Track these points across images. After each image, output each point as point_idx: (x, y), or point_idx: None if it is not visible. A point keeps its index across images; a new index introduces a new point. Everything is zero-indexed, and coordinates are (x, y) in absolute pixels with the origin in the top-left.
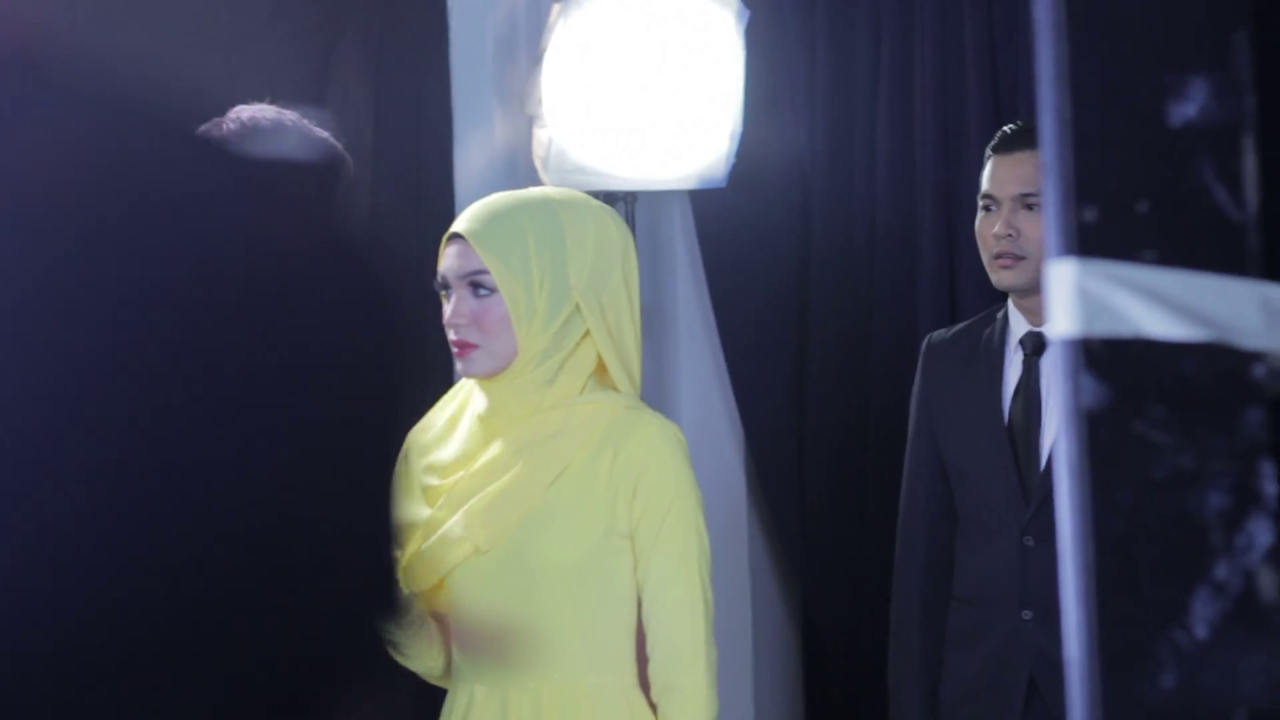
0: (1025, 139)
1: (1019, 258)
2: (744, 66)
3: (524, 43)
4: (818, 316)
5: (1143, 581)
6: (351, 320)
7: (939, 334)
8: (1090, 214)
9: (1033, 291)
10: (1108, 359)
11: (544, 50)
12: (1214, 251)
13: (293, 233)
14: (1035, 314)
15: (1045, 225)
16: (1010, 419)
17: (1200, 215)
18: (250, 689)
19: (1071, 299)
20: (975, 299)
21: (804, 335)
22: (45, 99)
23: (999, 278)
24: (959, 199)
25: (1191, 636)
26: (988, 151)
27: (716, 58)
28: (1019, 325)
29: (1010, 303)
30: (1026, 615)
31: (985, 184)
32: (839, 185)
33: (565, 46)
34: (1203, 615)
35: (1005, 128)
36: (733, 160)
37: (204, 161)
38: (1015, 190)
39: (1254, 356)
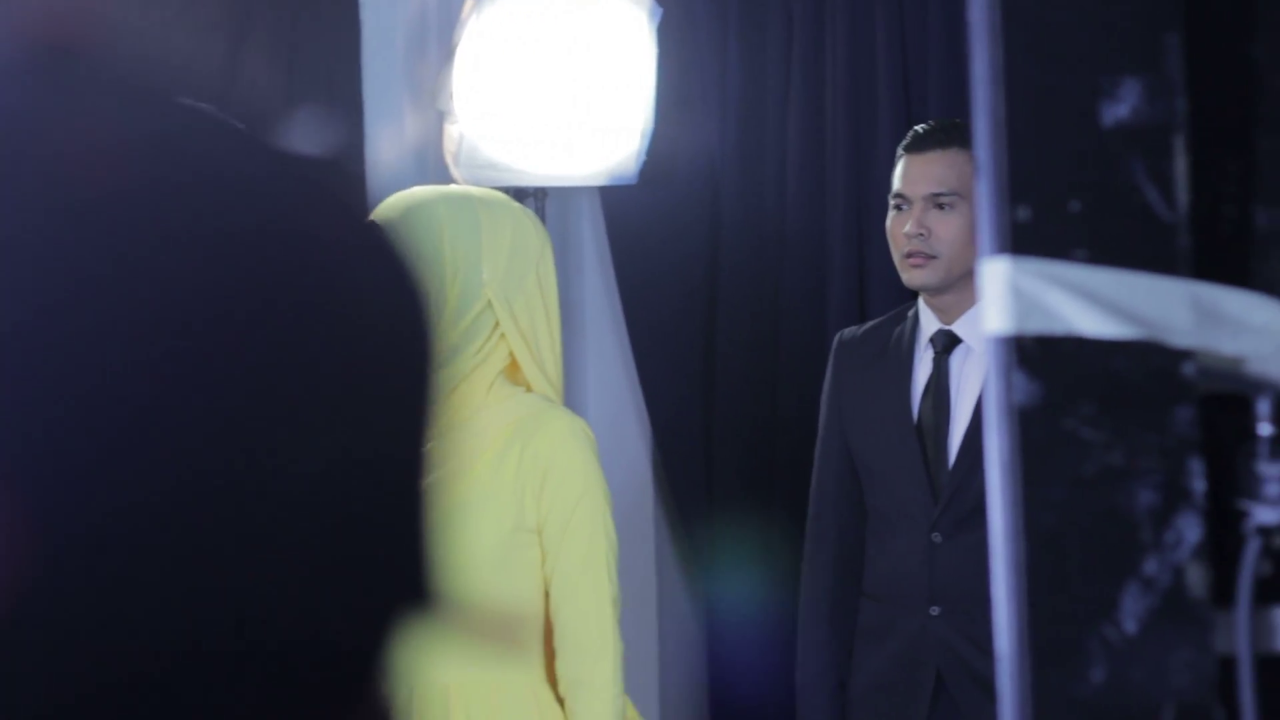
0: (937, 138)
1: (930, 257)
2: (656, 64)
3: (435, 38)
4: (726, 313)
5: (1072, 577)
6: (400, 319)
7: (849, 331)
8: (1023, 213)
9: (944, 290)
10: (1040, 356)
11: (456, 45)
12: (1145, 251)
13: (345, 229)
14: (946, 312)
15: (979, 223)
16: (920, 417)
17: (1132, 215)
18: (270, 682)
19: (1004, 297)
20: (885, 297)
21: (712, 332)
22: (90, 90)
23: (910, 276)
24: (869, 198)
25: (1121, 632)
26: (899, 150)
27: (629, 55)
28: (929, 323)
29: (921, 301)
30: (934, 611)
31: (897, 183)
32: (749, 183)
33: (477, 42)
34: (1132, 611)
35: (917, 127)
36: (643, 158)
37: (257, 156)
38: (927, 190)
39: (1184, 355)
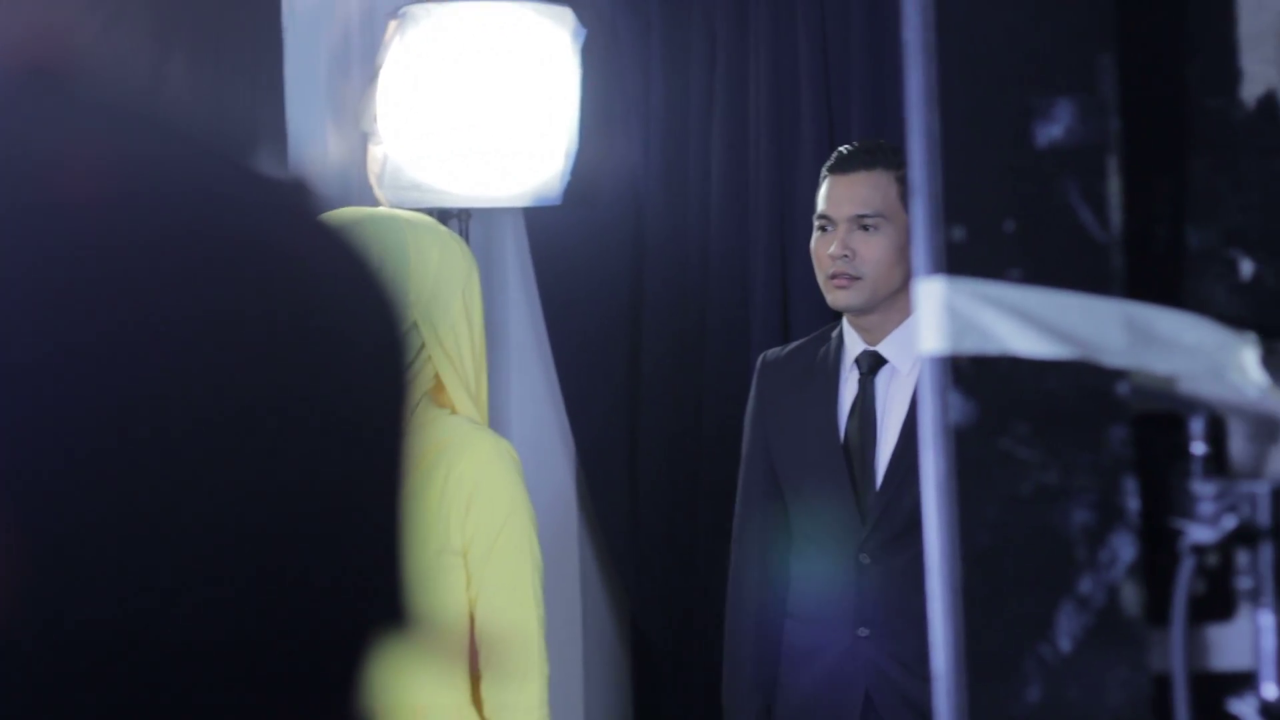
0: (861, 159)
1: (855, 278)
2: (579, 85)
3: (359, 59)
4: (650, 333)
5: (1008, 596)
6: (377, 337)
7: (773, 352)
8: (958, 233)
9: (868, 311)
10: (975, 376)
11: (379, 66)
12: (1079, 271)
13: (323, 247)
14: (870, 333)
15: (914, 243)
16: (846, 438)
17: (1065, 235)
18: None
19: (939, 317)
20: (809, 317)
21: (636, 351)
22: (70, 111)
23: (834, 298)
24: (792, 218)
25: (1056, 650)
26: (823, 171)
27: (552, 76)
28: (854, 344)
29: (845, 322)
30: (862, 633)
31: (821, 204)
32: (673, 204)
33: (401, 63)
34: (1067, 629)
35: (841, 148)
36: (567, 178)
37: (239, 180)
38: (851, 211)
39: (1118, 375)
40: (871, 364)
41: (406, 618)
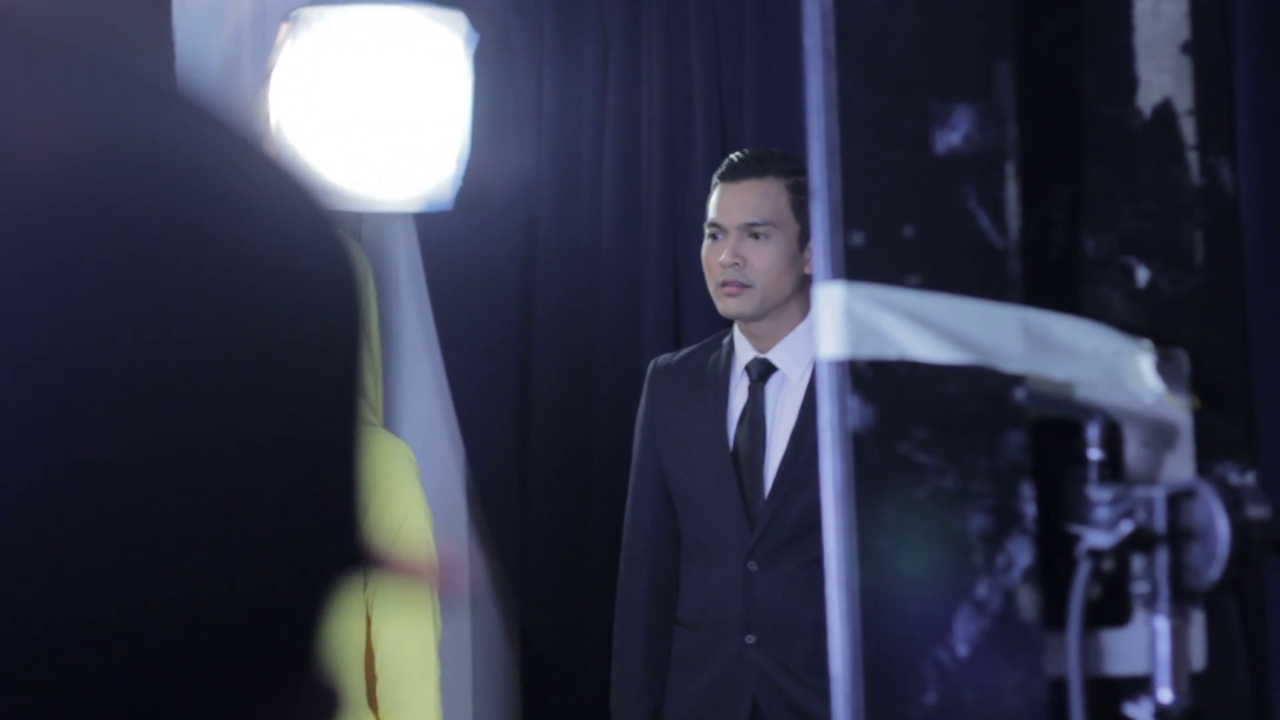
0: (752, 167)
1: (745, 286)
2: (472, 89)
3: (250, 63)
4: (542, 338)
5: (906, 600)
6: (338, 297)
7: (664, 359)
8: (857, 238)
9: (758, 319)
10: (873, 381)
11: (271, 69)
12: (977, 277)
13: (288, 201)
14: (761, 340)
15: (814, 249)
16: (735, 445)
17: (964, 241)
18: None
19: (839, 322)
20: (700, 323)
21: (528, 356)
22: (32, 65)
23: (725, 305)
24: (685, 224)
25: (953, 654)
26: (715, 179)
27: (444, 80)
28: (745, 351)
29: (735, 329)
30: (750, 640)
31: (712, 212)
32: (565, 209)
33: (292, 67)
34: (964, 633)
35: (733, 155)
36: (459, 183)
37: (221, 135)
38: (742, 219)
39: (1015, 380)
40: (762, 371)
41: (363, 572)
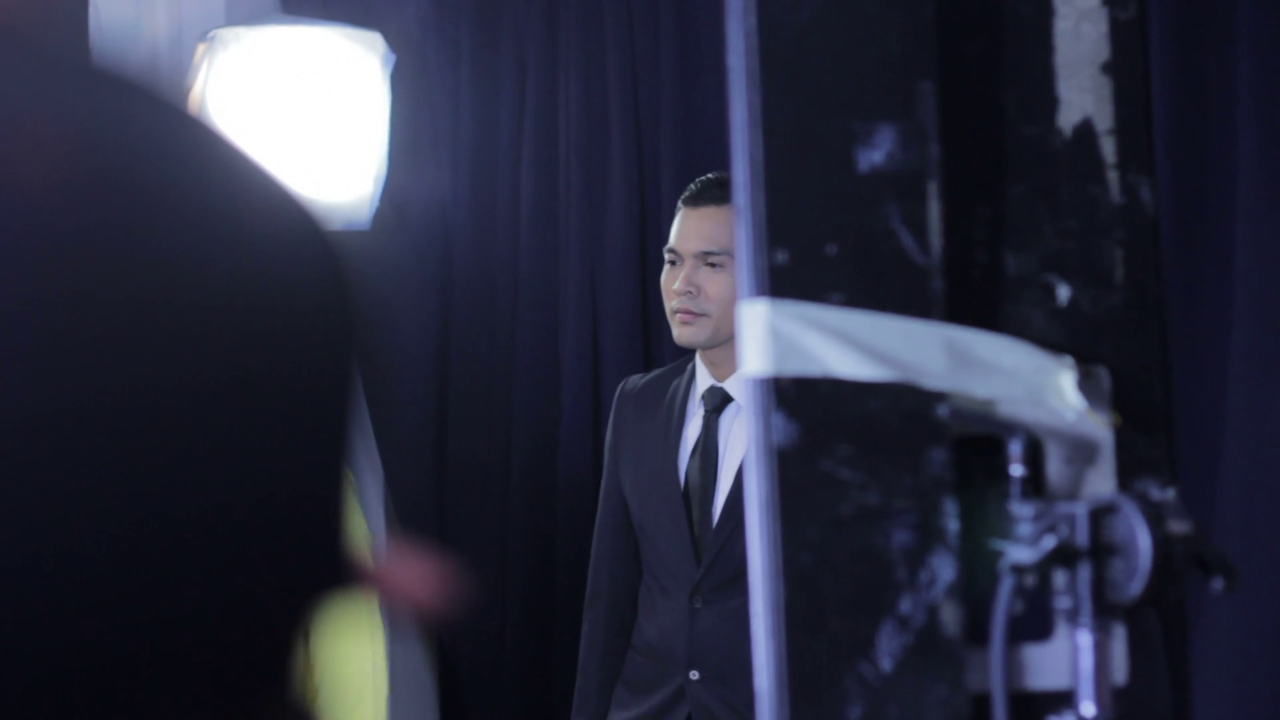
0: (712, 194)
1: (698, 314)
2: (389, 110)
3: (167, 82)
4: (459, 360)
5: (830, 616)
6: (330, 307)
7: (633, 380)
8: (781, 256)
9: (712, 347)
10: (797, 398)
11: (187, 89)
12: (900, 294)
13: (273, 208)
14: (718, 368)
15: (739, 266)
16: (686, 478)
17: (887, 259)
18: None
19: (762, 339)
20: (616, 345)
21: (445, 377)
22: (30, 68)
23: (679, 333)
24: (601, 245)
25: (877, 669)
26: (679, 203)
27: (361, 101)
28: (704, 379)
29: (698, 355)
30: (693, 675)
31: (672, 237)
32: (482, 230)
33: (209, 86)
34: (888, 648)
35: (699, 179)
36: (376, 203)
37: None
38: (697, 247)
39: (938, 397)
40: (717, 402)
41: (345, 588)
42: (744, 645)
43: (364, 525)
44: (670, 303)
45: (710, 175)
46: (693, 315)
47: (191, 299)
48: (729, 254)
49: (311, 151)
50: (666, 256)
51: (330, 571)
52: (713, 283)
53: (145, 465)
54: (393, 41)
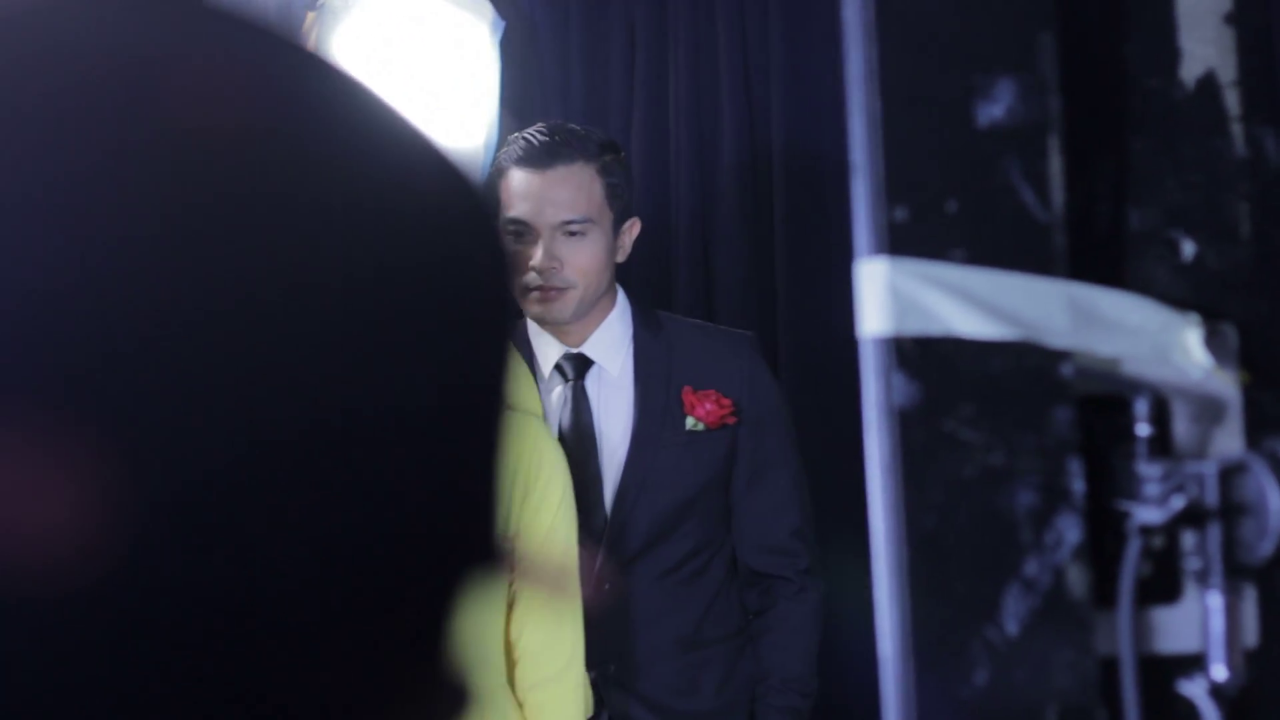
0: (561, 153)
1: (563, 289)
2: (498, 77)
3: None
4: None
5: (953, 580)
6: (485, 260)
7: None
8: (900, 213)
9: (577, 320)
10: (918, 358)
11: None
12: (1022, 251)
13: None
14: (571, 335)
15: (855, 224)
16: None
17: (1007, 215)
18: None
19: (882, 298)
20: (728, 315)
21: None
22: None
23: (541, 310)
24: (713, 212)
25: (1003, 633)
26: (506, 163)
27: (471, 68)
28: (549, 348)
29: (529, 324)
30: (612, 669)
31: (515, 207)
32: None
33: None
34: (1014, 612)
35: (529, 135)
36: (488, 170)
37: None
38: (556, 218)
39: (1061, 355)
40: (578, 368)
41: (496, 563)
42: (653, 631)
43: (572, 514)
44: (524, 278)
45: (539, 128)
46: (558, 290)
47: (353, 239)
48: (590, 221)
49: (421, 119)
50: (511, 228)
51: (484, 549)
52: (577, 253)
53: (309, 383)
54: (502, 8)
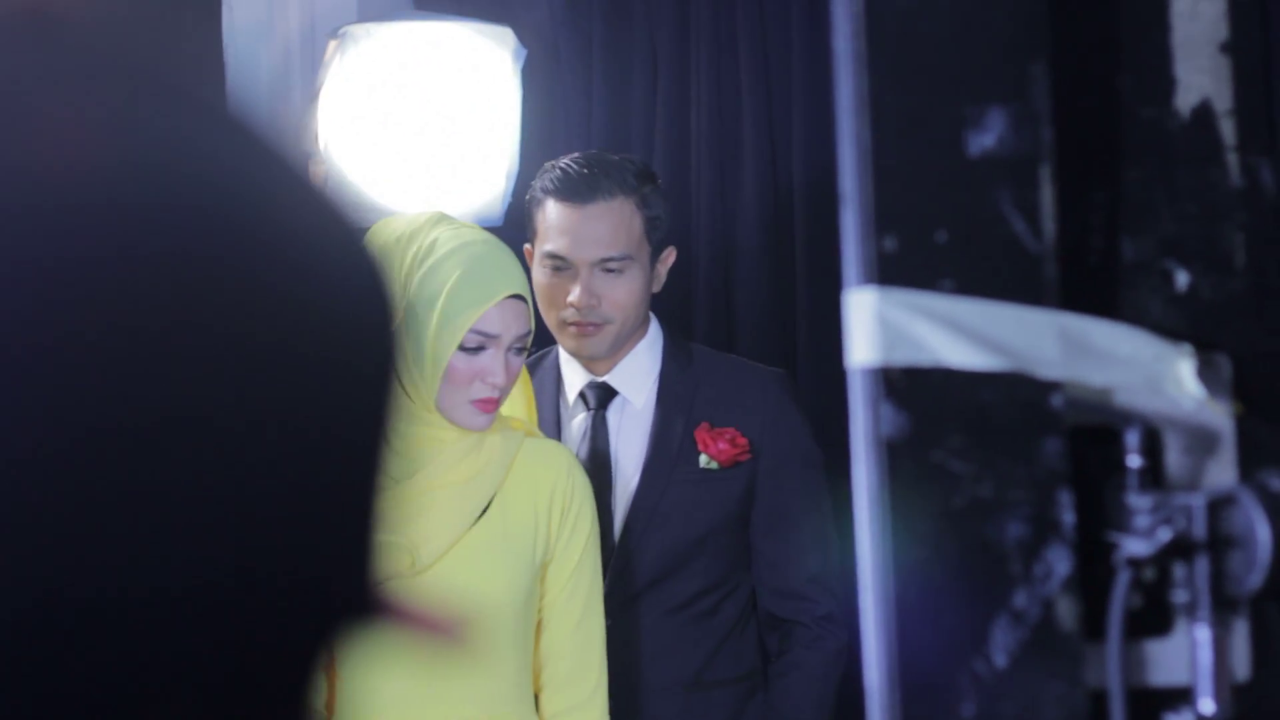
0: (602, 186)
1: (601, 324)
2: (520, 105)
3: (300, 79)
4: None
5: (942, 611)
6: (370, 309)
7: None
8: (890, 243)
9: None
10: (907, 388)
11: (320, 87)
12: (1012, 281)
13: (313, 208)
14: (599, 363)
15: (845, 254)
16: None
17: (999, 245)
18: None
19: (871, 327)
20: (750, 341)
21: None
22: (64, 64)
23: (577, 346)
24: (733, 238)
25: (991, 665)
26: (542, 195)
27: (493, 96)
28: (575, 375)
29: (563, 350)
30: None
31: (553, 241)
32: None
33: (342, 83)
34: (1002, 644)
35: (567, 165)
36: (509, 199)
37: (258, 150)
38: (596, 255)
39: (1051, 386)
40: (601, 397)
41: (371, 615)
42: (664, 664)
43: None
44: (561, 313)
45: (577, 159)
46: (595, 326)
47: (247, 325)
48: (630, 256)
49: (444, 147)
50: (548, 262)
51: (359, 600)
52: (616, 289)
53: (183, 486)
54: (524, 36)
